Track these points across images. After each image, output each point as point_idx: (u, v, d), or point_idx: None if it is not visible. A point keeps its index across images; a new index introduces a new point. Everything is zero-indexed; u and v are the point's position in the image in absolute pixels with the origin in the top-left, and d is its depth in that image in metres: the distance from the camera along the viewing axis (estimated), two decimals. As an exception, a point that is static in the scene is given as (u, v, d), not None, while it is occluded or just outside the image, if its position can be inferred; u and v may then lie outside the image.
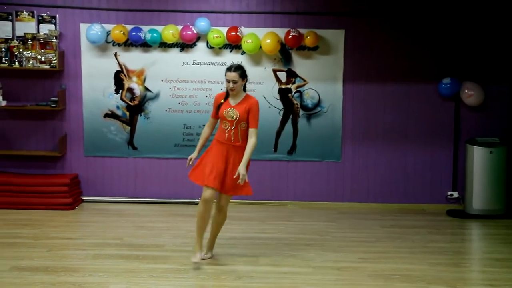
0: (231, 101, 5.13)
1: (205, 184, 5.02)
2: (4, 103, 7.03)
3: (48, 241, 5.70)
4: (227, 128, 5.08)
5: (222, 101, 5.15)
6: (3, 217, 6.52)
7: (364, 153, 7.32)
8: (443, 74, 7.15)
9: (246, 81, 5.17)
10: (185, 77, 7.18)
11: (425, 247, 5.80)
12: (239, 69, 5.10)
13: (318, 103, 7.22)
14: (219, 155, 5.08)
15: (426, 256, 5.51)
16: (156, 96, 7.20)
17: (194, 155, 5.26)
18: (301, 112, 7.23)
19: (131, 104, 7.20)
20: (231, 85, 5.06)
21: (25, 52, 6.90)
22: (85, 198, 7.25)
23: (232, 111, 5.07)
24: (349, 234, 6.20)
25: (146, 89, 7.19)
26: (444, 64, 7.18)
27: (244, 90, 5.18)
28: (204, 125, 5.51)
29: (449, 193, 7.31)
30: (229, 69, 5.11)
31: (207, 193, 5.00)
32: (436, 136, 7.28)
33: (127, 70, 7.16)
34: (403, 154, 7.31)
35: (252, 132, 5.09)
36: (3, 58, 6.91)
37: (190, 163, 5.24)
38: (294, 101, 7.22)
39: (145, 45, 7.10)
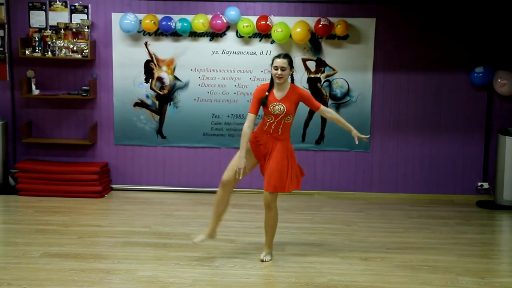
0: (277, 94, 4.88)
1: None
2: (37, 92, 7.11)
3: (78, 228, 5.75)
4: (270, 120, 4.88)
5: (267, 93, 4.88)
6: (34, 204, 6.61)
7: (393, 143, 7.20)
8: (476, 63, 6.99)
9: (293, 71, 4.97)
10: (214, 67, 7.15)
11: (454, 238, 5.70)
12: (288, 57, 4.88)
13: (347, 93, 7.12)
14: (254, 152, 4.96)
15: (454, 247, 5.41)
16: (185, 85, 7.19)
17: (242, 163, 4.87)
18: (330, 102, 7.15)
19: (161, 93, 7.20)
20: (279, 71, 4.80)
21: (58, 42, 6.95)
22: (114, 186, 7.30)
23: (278, 105, 4.83)
24: (377, 224, 6.13)
25: (176, 78, 7.19)
26: (477, 52, 7.00)
27: (292, 81, 4.99)
28: (243, 123, 5.26)
29: (479, 183, 7.16)
30: (278, 56, 4.89)
31: (225, 175, 4.93)
32: (467, 126, 7.12)
33: (157, 60, 7.16)
34: (433, 144, 7.18)
35: (323, 109, 5.00)
36: (37, 48, 6.97)
37: (241, 174, 4.87)
38: (323, 91, 7.13)
39: (175, 35, 7.09)
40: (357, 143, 5.15)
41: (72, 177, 6.94)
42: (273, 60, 4.91)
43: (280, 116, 4.85)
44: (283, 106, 4.84)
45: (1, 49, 7.14)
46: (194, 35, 7.09)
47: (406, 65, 7.09)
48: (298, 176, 5.02)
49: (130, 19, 6.93)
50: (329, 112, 5.08)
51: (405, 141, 7.20)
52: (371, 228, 5.98)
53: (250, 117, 4.89)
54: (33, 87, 7.09)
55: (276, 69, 4.85)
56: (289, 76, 4.93)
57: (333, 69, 7.10)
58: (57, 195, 6.89)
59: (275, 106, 4.85)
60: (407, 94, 7.14)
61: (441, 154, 7.18)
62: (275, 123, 4.87)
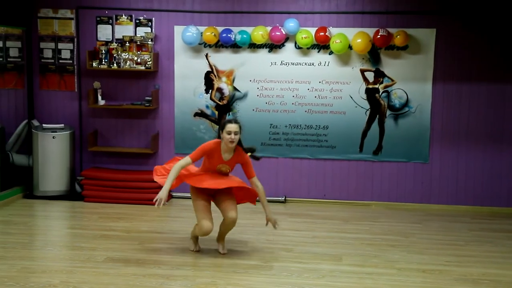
0: (224, 155, 5.07)
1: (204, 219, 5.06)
2: (103, 102, 7.33)
3: (139, 235, 5.88)
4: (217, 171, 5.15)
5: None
6: (98, 210, 6.80)
7: (454, 154, 7.04)
8: (540, 73, 6.77)
9: (241, 135, 5.09)
10: (273, 77, 7.19)
11: (517, 252, 5.51)
12: (239, 121, 5.07)
13: (406, 103, 7.02)
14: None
15: (518, 262, 5.23)
16: (244, 95, 7.26)
17: (164, 195, 4.91)
18: (388, 112, 7.06)
19: (220, 103, 7.29)
20: (232, 136, 4.96)
21: (123, 54, 7.16)
22: (174, 194, 7.43)
23: (224, 167, 5.09)
24: (436, 236, 5.99)
25: (235, 89, 7.27)
26: (541, 62, 6.79)
27: (240, 145, 5.12)
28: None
29: (544, 197, 6.92)
30: (229, 121, 5.02)
31: (208, 227, 5.06)
32: (532, 137, 6.90)
33: (217, 71, 7.26)
34: (495, 155, 6.98)
35: (255, 180, 5.12)
36: (103, 60, 7.20)
37: (161, 205, 4.90)
38: (381, 101, 7.05)
39: (235, 46, 7.17)
40: (266, 225, 5.25)
41: (135, 185, 7.11)
42: (225, 125, 5.01)
43: (224, 173, 5.13)
44: (228, 167, 5.11)
45: (70, 61, 7.42)
46: (253, 46, 7.16)
47: (467, 75, 6.93)
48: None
49: (191, 31, 7.06)
50: (257, 186, 5.14)
51: (466, 152, 7.03)
52: (430, 240, 5.85)
53: (188, 160, 5.03)
54: (99, 97, 7.31)
55: (229, 134, 4.97)
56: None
57: (392, 80, 7.01)
58: (120, 202, 7.07)
59: (221, 167, 5.10)
60: (468, 104, 6.98)
61: (504, 165, 6.97)
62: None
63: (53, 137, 7.17)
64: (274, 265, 5.04)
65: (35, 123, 7.39)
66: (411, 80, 6.98)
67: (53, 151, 7.18)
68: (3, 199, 6.93)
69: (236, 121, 5.05)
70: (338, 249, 5.51)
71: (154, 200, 4.89)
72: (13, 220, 6.39)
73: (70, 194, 7.29)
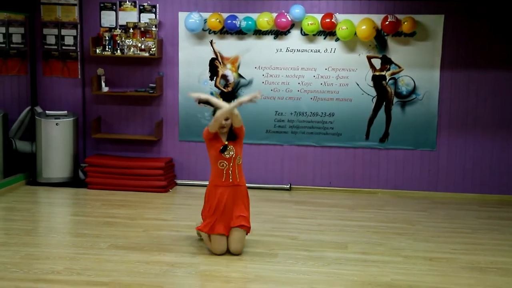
0: (223, 137, 5.02)
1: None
2: (106, 89, 7.29)
3: (144, 222, 5.85)
4: (225, 167, 4.96)
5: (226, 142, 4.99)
6: (102, 197, 6.78)
7: (461, 142, 6.98)
8: (549, 60, 6.69)
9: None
10: (278, 64, 7.13)
11: (526, 241, 5.47)
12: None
13: (413, 90, 6.96)
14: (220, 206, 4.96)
15: (526, 251, 5.18)
16: (249, 82, 7.20)
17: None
18: (395, 99, 7.00)
19: (225, 90, 7.24)
20: (223, 122, 4.96)
21: (126, 41, 7.10)
22: (178, 181, 7.39)
23: (229, 149, 4.95)
24: (442, 224, 5.96)
25: (240, 76, 7.21)
26: (551, 49, 6.70)
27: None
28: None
29: (553, 185, 6.86)
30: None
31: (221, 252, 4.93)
32: (541, 125, 6.84)
33: (222, 57, 7.20)
34: (504, 143, 6.93)
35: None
36: (107, 46, 7.15)
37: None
38: (388, 88, 6.99)
39: (240, 33, 7.10)
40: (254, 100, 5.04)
41: (138, 172, 7.08)
42: (216, 111, 5.00)
43: (232, 159, 4.96)
44: (233, 149, 4.96)
45: (74, 48, 7.37)
46: (259, 33, 7.09)
47: (476, 62, 6.86)
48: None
49: (194, 18, 6.99)
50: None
51: (474, 140, 6.97)
52: (437, 228, 5.81)
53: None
54: (103, 84, 7.27)
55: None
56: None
57: (399, 67, 6.95)
58: (124, 189, 7.04)
59: (229, 151, 4.96)
60: (476, 91, 6.91)
61: (511, 153, 6.91)
62: (231, 168, 4.96)
63: (57, 124, 7.14)
64: (279, 253, 5.01)
65: (38, 109, 7.35)
66: (419, 67, 6.91)
67: (56, 138, 7.15)
68: (6, 185, 6.92)
69: None
70: (344, 237, 5.48)
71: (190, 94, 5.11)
72: (17, 206, 6.37)
73: (74, 181, 7.26)
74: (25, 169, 7.36)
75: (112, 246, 5.08)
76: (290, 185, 7.29)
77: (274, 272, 4.59)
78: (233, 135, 5.01)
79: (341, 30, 6.78)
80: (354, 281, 4.44)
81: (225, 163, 4.96)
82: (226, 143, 4.97)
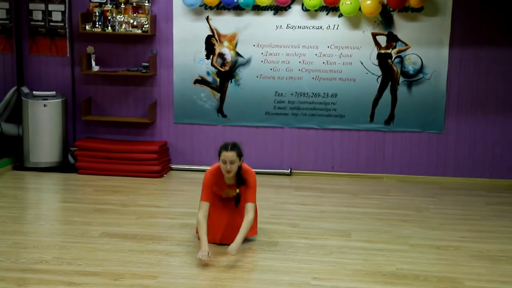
0: (227, 180, 4.79)
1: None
2: (97, 68, 7.25)
3: (137, 209, 5.86)
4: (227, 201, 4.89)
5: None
6: (93, 183, 6.78)
7: (471, 124, 6.98)
8: None
9: (243, 160, 4.78)
10: (278, 42, 7.09)
11: (537, 228, 5.49)
12: (237, 148, 4.69)
13: (420, 69, 6.93)
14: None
15: (538, 238, 5.21)
16: (248, 61, 7.16)
17: (206, 248, 4.47)
18: (401, 79, 6.98)
19: (222, 70, 7.21)
20: (227, 167, 4.65)
21: (118, 17, 7.05)
22: (173, 166, 7.39)
23: (231, 191, 4.82)
24: (451, 211, 5.97)
25: (238, 54, 7.17)
26: None
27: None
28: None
29: None
30: (225, 148, 4.67)
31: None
32: (554, 106, 6.83)
33: (219, 35, 7.16)
34: (515, 126, 6.93)
35: (249, 207, 4.71)
36: (97, 23, 7.10)
37: (208, 257, 4.45)
38: (394, 67, 6.97)
39: (238, 8, 7.05)
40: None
41: (131, 156, 7.07)
42: (220, 151, 4.71)
43: (235, 198, 4.84)
44: (235, 192, 4.81)
45: (62, 24, 7.32)
46: (258, 8, 7.04)
47: (487, 39, 6.83)
48: None
49: (191, -8, 6.95)
50: (247, 214, 4.71)
51: (484, 122, 6.97)
52: (444, 215, 5.83)
53: (204, 206, 4.71)
54: (93, 63, 7.23)
55: (225, 163, 4.67)
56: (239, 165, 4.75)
57: (406, 44, 6.91)
58: (116, 174, 7.04)
59: (228, 192, 4.84)
60: (487, 70, 6.90)
61: (524, 136, 6.95)
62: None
63: (44, 105, 7.12)
64: (279, 241, 5.02)
65: (25, 90, 7.32)
66: (426, 44, 6.88)
67: (44, 120, 7.13)
68: (-8, 171, 6.92)
69: (233, 147, 4.69)
70: (347, 224, 5.49)
71: (200, 257, 4.43)
72: (3, 192, 6.38)
73: (63, 166, 7.26)
74: (12, 153, 7.35)
75: (103, 234, 5.09)
76: (291, 169, 7.29)
77: (274, 261, 4.60)
78: (241, 179, 4.79)
79: (345, 5, 6.74)
80: (358, 271, 4.45)
81: (227, 196, 4.90)
82: (238, 191, 4.78)
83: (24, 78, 7.41)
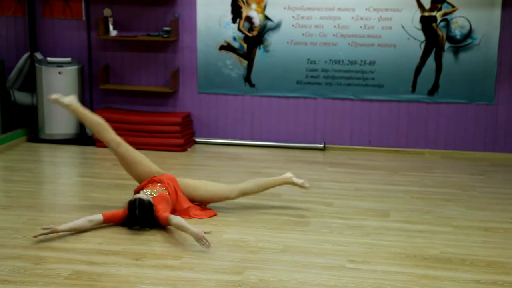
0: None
1: None
2: (114, 33, 7.29)
3: (159, 184, 5.91)
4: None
5: None
6: (112, 156, 6.73)
7: (524, 94, 6.92)
8: None
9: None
10: (311, 4, 7.06)
11: None
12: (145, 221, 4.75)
13: (468, 34, 6.86)
14: None
15: None
16: (277, 26, 7.15)
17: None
18: (447, 45, 6.92)
19: (249, 35, 7.20)
20: None
21: (136, -23, 7.08)
22: (197, 139, 7.44)
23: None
24: (501, 190, 5.94)
25: (266, 18, 7.15)
26: None
27: None
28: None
29: None
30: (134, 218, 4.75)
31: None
32: None
33: (246, -4, 7.16)
34: None
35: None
36: (118, -16, 7.13)
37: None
38: (439, 32, 6.90)
39: (267, -33, 7.04)
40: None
41: (152, 128, 7.14)
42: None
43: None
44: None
45: (76, -15, 7.36)
46: (289, -33, 7.02)
47: (543, 0, 6.72)
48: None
49: None
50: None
51: (538, 93, 6.90)
52: (494, 194, 5.80)
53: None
54: (111, 27, 7.27)
55: None
56: None
57: (452, 6, 6.84)
58: (136, 148, 7.03)
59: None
60: (544, 35, 6.80)
61: None
62: None
63: (59, 73, 7.20)
64: (311, 220, 5.05)
65: (39, 56, 7.40)
66: (476, 5, 6.80)
67: (59, 89, 7.16)
68: (5, 142, 7.03)
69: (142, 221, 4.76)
70: (385, 203, 5.49)
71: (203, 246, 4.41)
72: (17, 166, 6.49)
73: (80, 138, 7.36)
74: (26, 124, 7.47)
75: (123, 212, 5.16)
76: (324, 144, 7.29)
77: (305, 242, 4.63)
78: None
79: (385, -37, 6.67)
80: (396, 254, 4.46)
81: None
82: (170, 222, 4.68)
83: (38, 43, 7.50)
